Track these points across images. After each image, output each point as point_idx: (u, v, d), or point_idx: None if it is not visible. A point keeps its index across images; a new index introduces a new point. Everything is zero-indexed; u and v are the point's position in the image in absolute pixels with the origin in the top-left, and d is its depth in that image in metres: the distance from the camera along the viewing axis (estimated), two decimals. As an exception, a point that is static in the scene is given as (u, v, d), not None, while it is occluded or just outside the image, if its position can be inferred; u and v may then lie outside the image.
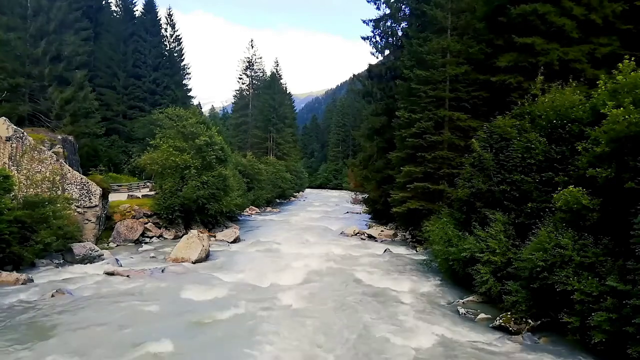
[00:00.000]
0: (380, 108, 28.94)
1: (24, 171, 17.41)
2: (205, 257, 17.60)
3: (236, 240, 22.77)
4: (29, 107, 28.27)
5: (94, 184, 19.47)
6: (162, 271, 15.03)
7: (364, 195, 36.54)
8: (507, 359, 8.67)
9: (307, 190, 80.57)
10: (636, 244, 8.00)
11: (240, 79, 68.96)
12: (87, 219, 19.00)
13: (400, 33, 28.84)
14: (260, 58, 70.17)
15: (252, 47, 68.38)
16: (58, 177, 18.33)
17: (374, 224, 29.17)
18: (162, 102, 42.77)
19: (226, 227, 26.07)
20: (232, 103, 79.36)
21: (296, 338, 9.34)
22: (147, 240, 21.56)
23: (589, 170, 9.44)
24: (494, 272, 11.45)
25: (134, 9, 49.74)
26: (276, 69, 69.94)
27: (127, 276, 13.96)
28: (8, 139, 17.82)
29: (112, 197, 23.32)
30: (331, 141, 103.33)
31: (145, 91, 45.61)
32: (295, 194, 64.69)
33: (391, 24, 29.29)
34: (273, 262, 17.26)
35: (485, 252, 11.63)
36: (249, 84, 68.77)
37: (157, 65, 46.70)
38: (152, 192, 26.17)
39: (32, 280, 13.06)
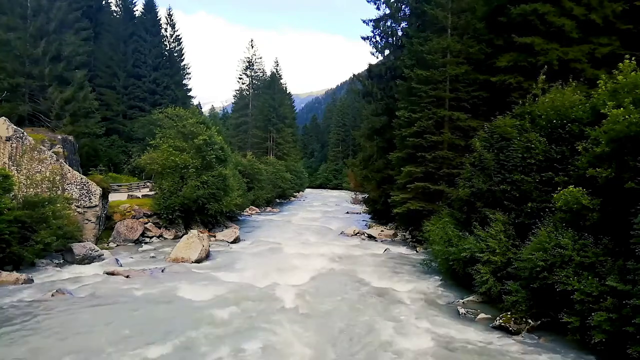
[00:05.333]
0: (380, 108, 28.93)
1: (24, 171, 17.40)
2: (205, 257, 17.61)
3: (236, 240, 22.76)
4: (29, 107, 28.26)
5: (94, 184, 19.47)
6: (162, 271, 15.03)
7: (364, 195, 36.52)
8: (507, 358, 8.67)
9: (307, 190, 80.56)
10: (636, 244, 8.00)
11: (240, 79, 69.09)
12: (87, 219, 19.00)
13: (400, 33, 28.81)
14: (260, 58, 70.37)
15: (252, 47, 68.51)
16: (58, 177, 18.31)
17: (374, 224, 29.16)
18: (162, 102, 42.79)
19: (226, 227, 26.07)
20: (232, 103, 79.48)
21: (296, 338, 9.34)
22: (147, 240, 21.55)
23: (589, 170, 9.44)
24: (494, 272, 11.44)
25: (134, 9, 49.79)
26: (276, 69, 70.07)
27: (127, 276, 13.95)
28: (8, 139, 17.82)
29: (112, 197, 23.32)
30: (331, 141, 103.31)
31: (145, 91, 45.63)
32: (295, 194, 64.68)
33: (391, 24, 29.28)
34: (273, 262, 17.26)
35: (485, 252, 11.62)
36: (249, 84, 68.82)
37: (157, 65, 46.70)
38: (152, 192, 26.16)
39: (32, 280, 13.05)
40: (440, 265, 14.91)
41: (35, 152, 18.20)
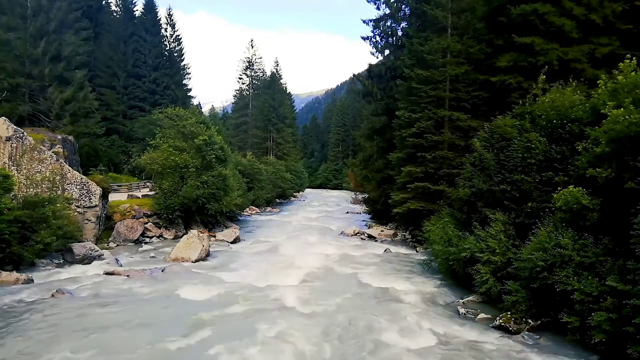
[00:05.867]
0: (380, 108, 28.92)
1: (24, 171, 17.40)
2: (205, 257, 17.61)
3: (236, 240, 22.76)
4: (29, 107, 28.27)
5: (94, 183, 19.47)
6: (162, 271, 15.03)
7: (364, 195, 36.54)
8: (507, 358, 8.67)
9: (307, 190, 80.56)
10: (636, 244, 8.00)
11: (240, 79, 69.11)
12: (87, 219, 19.00)
13: (400, 33, 28.81)
14: (260, 58, 70.39)
15: (252, 47, 68.52)
16: (58, 177, 18.32)
17: (374, 224, 29.16)
18: (162, 102, 42.80)
19: (226, 227, 26.07)
20: (232, 103, 79.51)
21: (296, 337, 9.33)
22: (147, 240, 21.55)
23: (589, 170, 9.44)
24: (494, 272, 11.44)
25: (134, 9, 49.80)
26: (276, 69, 70.08)
27: (127, 276, 13.96)
28: (8, 139, 17.82)
29: (112, 197, 23.32)
30: (331, 141, 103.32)
31: (145, 91, 45.64)
32: (295, 193, 64.67)
33: (391, 24, 29.27)
34: (273, 262, 17.27)
35: (485, 252, 11.62)
36: (249, 84, 68.83)
37: (157, 65, 46.71)
38: (152, 192, 26.17)
39: (32, 280, 13.05)
40: (440, 265, 14.91)
41: (35, 152, 18.20)
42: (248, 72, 68.43)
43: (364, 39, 29.52)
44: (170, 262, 16.72)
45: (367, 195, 33.90)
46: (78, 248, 16.29)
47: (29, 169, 17.63)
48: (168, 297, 12.11)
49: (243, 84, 69.40)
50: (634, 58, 10.16)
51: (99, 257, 16.52)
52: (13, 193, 15.35)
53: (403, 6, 28.43)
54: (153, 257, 17.90)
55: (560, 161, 11.36)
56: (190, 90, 53.58)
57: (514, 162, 12.24)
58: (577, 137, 11.03)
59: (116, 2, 49.72)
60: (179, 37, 51.31)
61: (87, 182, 19.32)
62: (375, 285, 14.09)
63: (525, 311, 10.14)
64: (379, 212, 30.03)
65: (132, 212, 22.44)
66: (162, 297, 12.01)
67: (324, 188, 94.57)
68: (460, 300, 12.41)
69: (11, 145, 17.85)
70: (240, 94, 70.35)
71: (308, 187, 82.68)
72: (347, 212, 41.80)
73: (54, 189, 17.79)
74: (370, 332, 9.78)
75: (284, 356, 8.48)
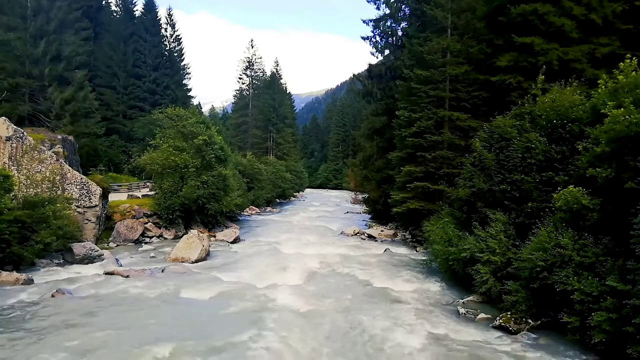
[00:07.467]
0: (380, 108, 28.94)
1: (24, 171, 17.39)
2: (205, 257, 17.61)
3: (236, 240, 22.76)
4: (29, 107, 28.31)
5: (94, 183, 19.47)
6: (162, 271, 15.03)
7: (364, 195, 36.55)
8: (507, 358, 8.67)
9: (307, 190, 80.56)
10: (636, 244, 8.00)
11: (240, 79, 69.21)
12: (87, 219, 19.00)
13: (400, 33, 28.83)
14: (260, 58, 70.57)
15: (252, 47, 68.63)
16: (58, 177, 18.31)
17: (374, 224, 29.15)
18: (162, 102, 42.80)
19: (226, 227, 26.07)
20: (232, 103, 79.59)
21: (296, 338, 9.33)
22: (147, 240, 21.55)
23: (589, 170, 9.44)
24: (494, 272, 11.45)
25: (134, 9, 49.87)
26: (276, 69, 70.22)
27: (127, 276, 13.96)
28: (8, 139, 17.82)
29: (112, 197, 23.32)
30: (331, 141, 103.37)
31: (145, 91, 45.67)
32: (295, 194, 64.69)
33: (391, 24, 29.30)
34: (273, 262, 17.25)
35: (485, 252, 11.62)
36: (249, 84, 68.88)
37: (157, 65, 46.77)
38: (152, 192, 26.16)
39: (32, 280, 13.05)
40: (440, 265, 14.91)
41: (35, 152, 18.20)
42: (248, 72, 68.54)
43: (364, 39, 29.55)
44: (170, 262, 16.72)
45: (367, 195, 33.90)
46: (78, 248, 16.28)
47: (29, 169, 17.62)
48: (168, 297, 12.11)
49: (243, 84, 69.53)
50: (634, 58, 10.16)
51: (99, 257, 16.50)
52: (13, 193, 15.35)
53: (403, 6, 28.45)
54: (153, 257, 17.90)
55: (560, 161, 11.36)
56: (190, 90, 53.69)
57: (514, 162, 12.24)
58: (577, 137, 11.04)
59: (116, 2, 49.82)
60: (179, 37, 51.44)
61: (87, 182, 19.33)
62: (375, 285, 14.09)
63: (525, 311, 10.14)
64: (379, 212, 30.02)
65: (132, 212, 22.44)
66: (162, 297, 12.01)
67: (324, 188, 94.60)
68: (460, 300, 12.41)
69: (11, 145, 17.85)
70: (240, 94, 70.42)
71: (308, 187, 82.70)
72: (347, 212, 41.79)
73: (54, 189, 17.77)
74: (370, 332, 9.77)
75: (283, 356, 8.47)
